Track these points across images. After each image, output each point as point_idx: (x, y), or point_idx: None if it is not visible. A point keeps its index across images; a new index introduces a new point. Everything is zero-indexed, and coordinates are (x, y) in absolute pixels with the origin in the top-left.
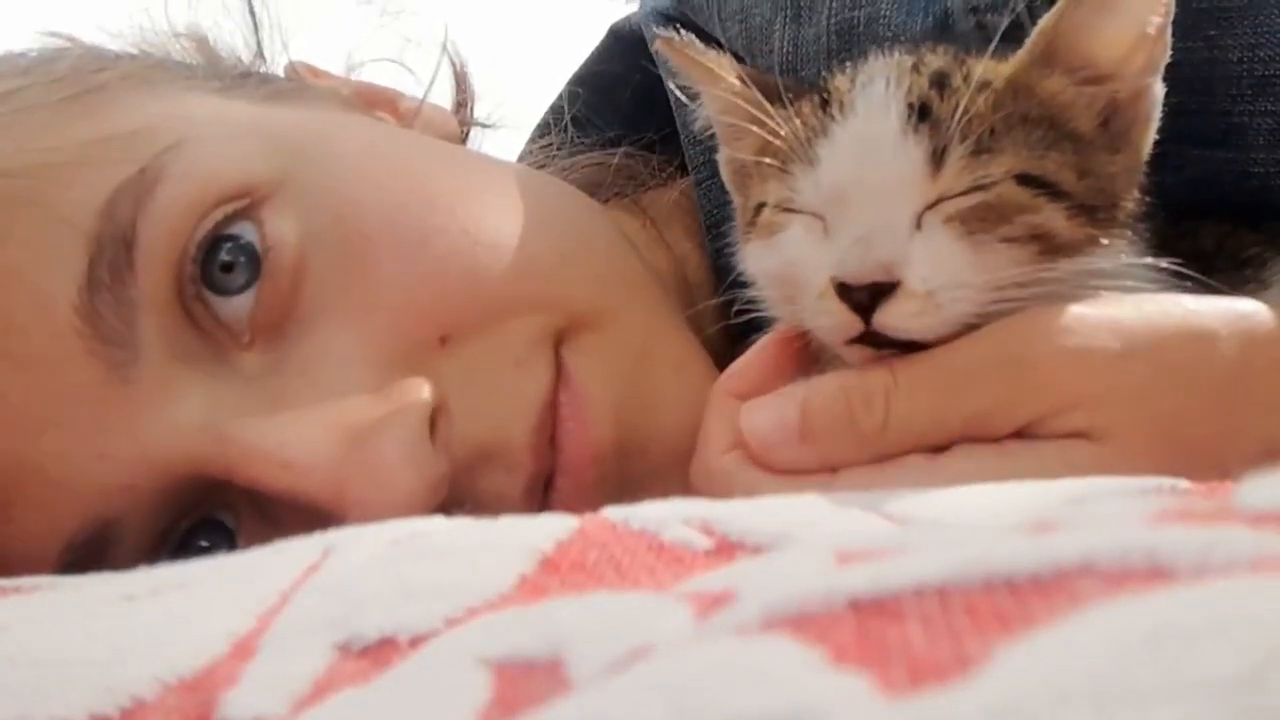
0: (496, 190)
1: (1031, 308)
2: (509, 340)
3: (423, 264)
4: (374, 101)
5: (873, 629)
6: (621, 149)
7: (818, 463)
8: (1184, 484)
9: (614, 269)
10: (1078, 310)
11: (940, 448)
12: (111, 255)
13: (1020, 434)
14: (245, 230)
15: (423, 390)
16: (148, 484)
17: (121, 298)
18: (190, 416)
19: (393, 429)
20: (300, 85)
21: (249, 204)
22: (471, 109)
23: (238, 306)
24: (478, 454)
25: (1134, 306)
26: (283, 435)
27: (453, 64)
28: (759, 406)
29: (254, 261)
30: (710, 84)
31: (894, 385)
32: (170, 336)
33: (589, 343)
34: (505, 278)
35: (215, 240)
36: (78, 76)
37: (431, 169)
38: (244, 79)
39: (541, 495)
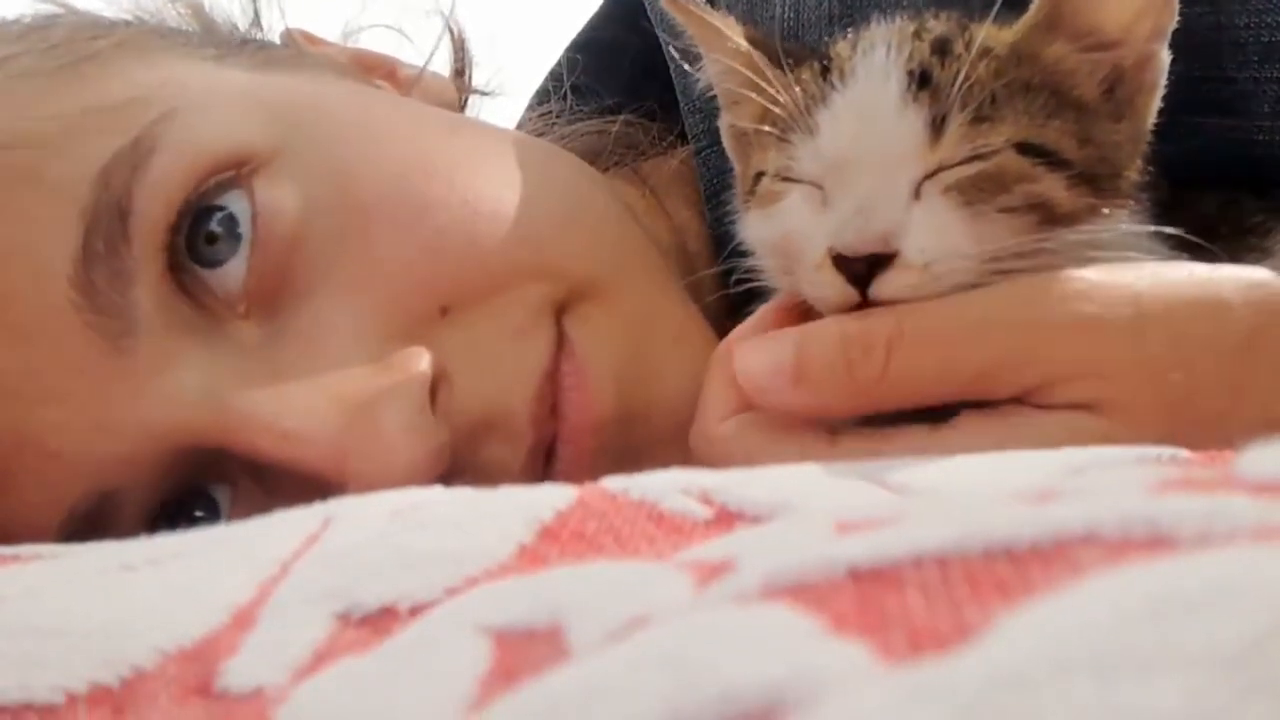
0: (496, 158)
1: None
2: (509, 310)
3: (422, 234)
4: (372, 69)
5: (872, 597)
6: (621, 117)
7: (811, 409)
8: (1184, 453)
9: (613, 237)
10: (1095, 276)
11: (937, 411)
12: (107, 226)
13: (1022, 400)
14: (236, 199)
15: (423, 360)
16: (146, 455)
17: (117, 269)
18: (188, 387)
19: (393, 399)
20: (297, 52)
21: (241, 173)
22: (470, 76)
23: (229, 276)
24: (479, 424)
25: (1151, 275)
26: (282, 405)
27: (451, 31)
28: (753, 347)
29: (237, 232)
30: (712, 46)
31: (899, 335)
32: (167, 307)
33: (590, 312)
34: (505, 247)
35: (203, 211)
36: (72, 44)
37: (430, 137)
38: (240, 46)
39: (543, 464)
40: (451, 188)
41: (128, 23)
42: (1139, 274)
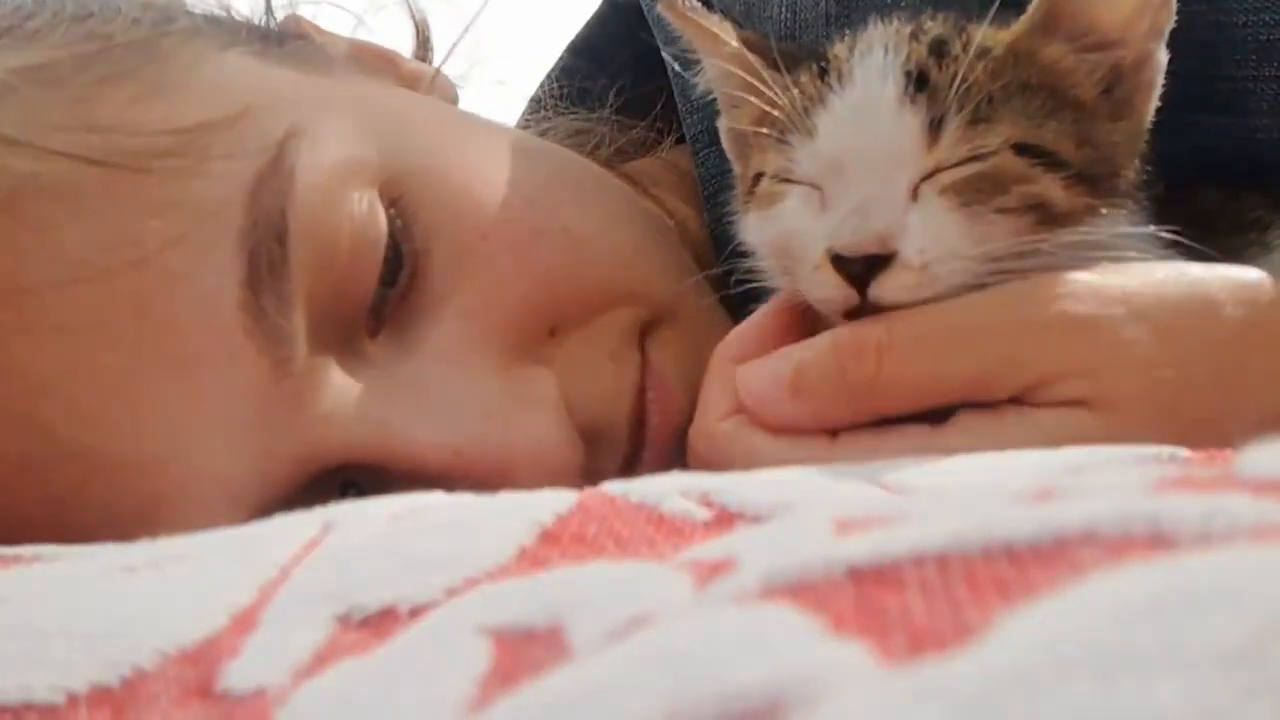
0: (575, 183)
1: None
2: (606, 332)
3: (534, 262)
4: (377, 63)
5: (872, 597)
6: (599, 114)
7: (811, 419)
8: (1184, 452)
9: (674, 259)
10: (1084, 277)
11: (936, 411)
12: (267, 250)
13: (1018, 400)
14: (382, 219)
15: (551, 378)
16: (306, 474)
17: (279, 292)
18: (347, 408)
19: (542, 411)
20: (321, 48)
21: (379, 193)
22: (431, 60)
23: (378, 296)
24: (587, 435)
25: (1140, 275)
26: (445, 424)
27: (414, 18)
28: (754, 365)
29: (394, 252)
30: (709, 51)
31: (888, 340)
32: (316, 327)
33: (666, 334)
34: (601, 273)
35: (366, 230)
36: (137, 45)
37: (517, 160)
38: (281, 41)
39: (628, 468)
40: (552, 215)
41: (166, 14)
42: (1127, 274)
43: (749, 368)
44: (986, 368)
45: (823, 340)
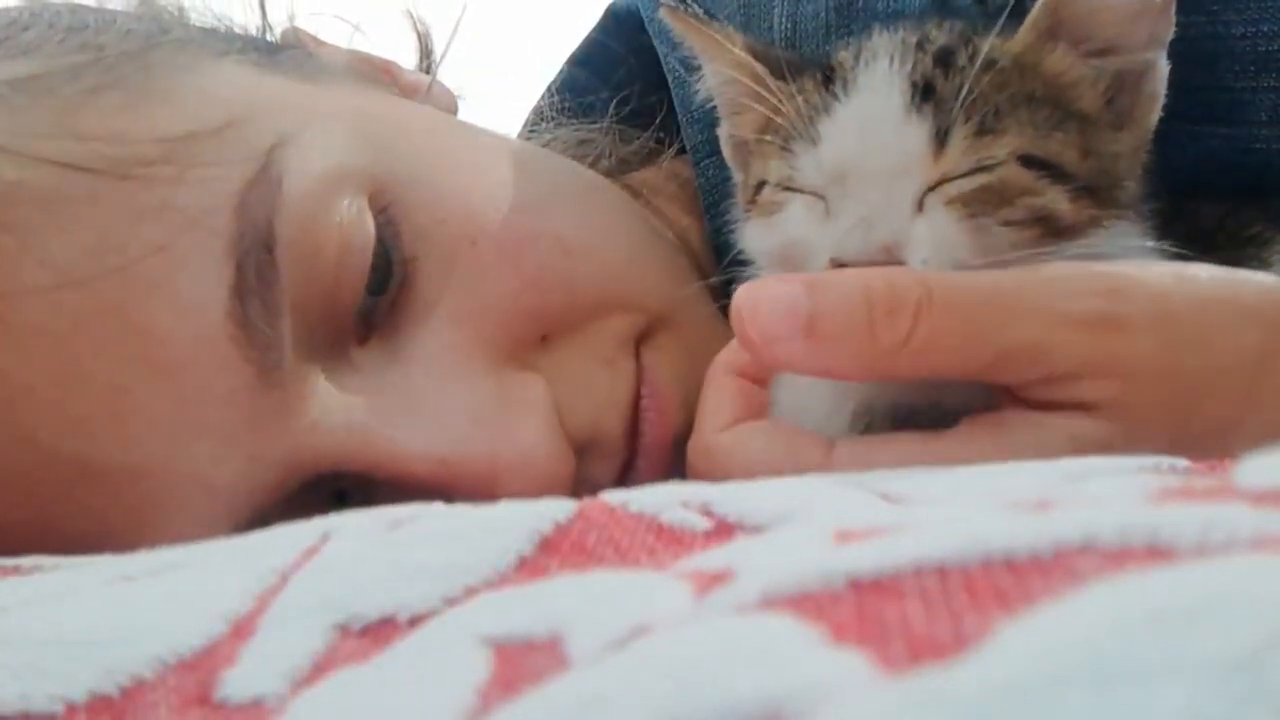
0: (569, 190)
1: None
2: (600, 339)
3: (525, 269)
4: (375, 73)
5: (872, 607)
6: (600, 125)
7: (817, 367)
8: (1183, 462)
9: (675, 267)
10: (1131, 274)
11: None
12: (256, 258)
13: (1028, 391)
14: (370, 226)
15: (541, 384)
16: (295, 482)
17: (267, 300)
18: (333, 416)
19: (532, 420)
20: (316, 58)
21: (376, 204)
22: (435, 72)
23: (367, 302)
24: (582, 443)
25: (1175, 274)
26: (434, 434)
27: (416, 29)
28: (763, 286)
29: (382, 259)
30: (713, 57)
31: (928, 302)
32: (303, 335)
33: (662, 341)
34: (593, 282)
35: (353, 238)
36: (130, 56)
37: (510, 168)
38: (275, 51)
39: (623, 477)
40: (544, 222)
41: (161, 25)
42: (1163, 273)
43: (757, 289)
44: (1017, 348)
45: (850, 282)
